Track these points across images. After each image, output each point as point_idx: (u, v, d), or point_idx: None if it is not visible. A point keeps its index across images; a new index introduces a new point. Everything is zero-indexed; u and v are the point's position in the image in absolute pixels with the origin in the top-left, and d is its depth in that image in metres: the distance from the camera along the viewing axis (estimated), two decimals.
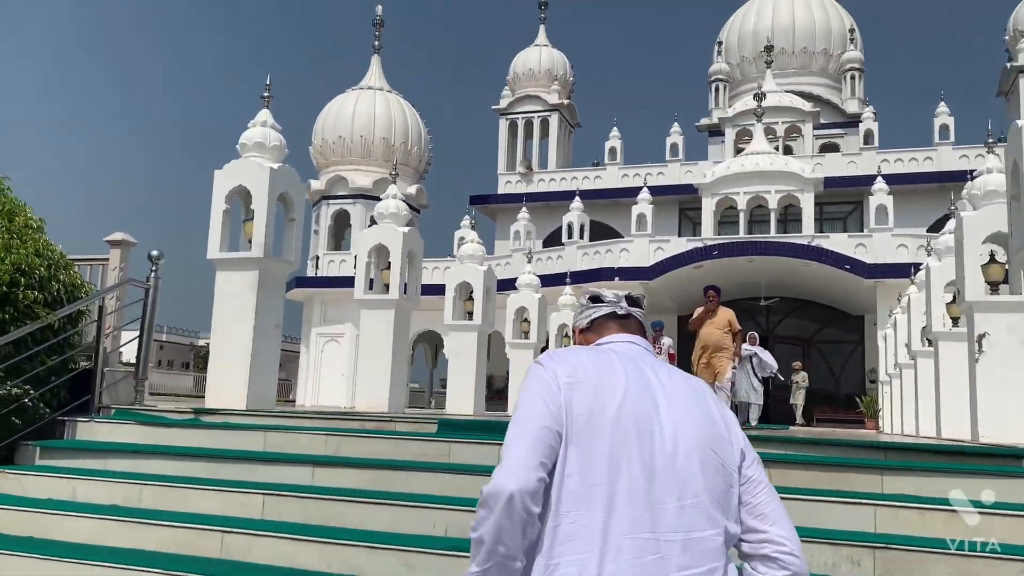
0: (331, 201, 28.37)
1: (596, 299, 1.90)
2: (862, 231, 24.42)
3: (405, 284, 9.81)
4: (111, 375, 6.29)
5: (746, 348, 13.01)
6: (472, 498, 4.55)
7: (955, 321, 10.11)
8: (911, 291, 16.16)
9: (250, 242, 7.43)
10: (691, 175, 29.75)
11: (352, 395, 26.54)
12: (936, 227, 26.02)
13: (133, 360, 6.70)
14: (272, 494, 4.61)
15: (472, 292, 12.42)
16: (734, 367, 12.80)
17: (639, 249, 23.69)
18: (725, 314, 9.89)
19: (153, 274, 6.53)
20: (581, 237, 25.68)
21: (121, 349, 6.79)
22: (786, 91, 30.88)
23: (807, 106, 29.85)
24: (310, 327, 27.48)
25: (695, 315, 9.97)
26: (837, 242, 22.43)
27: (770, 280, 24.09)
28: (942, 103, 27.70)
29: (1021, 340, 7.53)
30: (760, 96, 24.86)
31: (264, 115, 7.77)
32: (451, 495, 4.55)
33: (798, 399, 22.34)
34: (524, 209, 27.54)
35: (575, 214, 25.60)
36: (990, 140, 10.73)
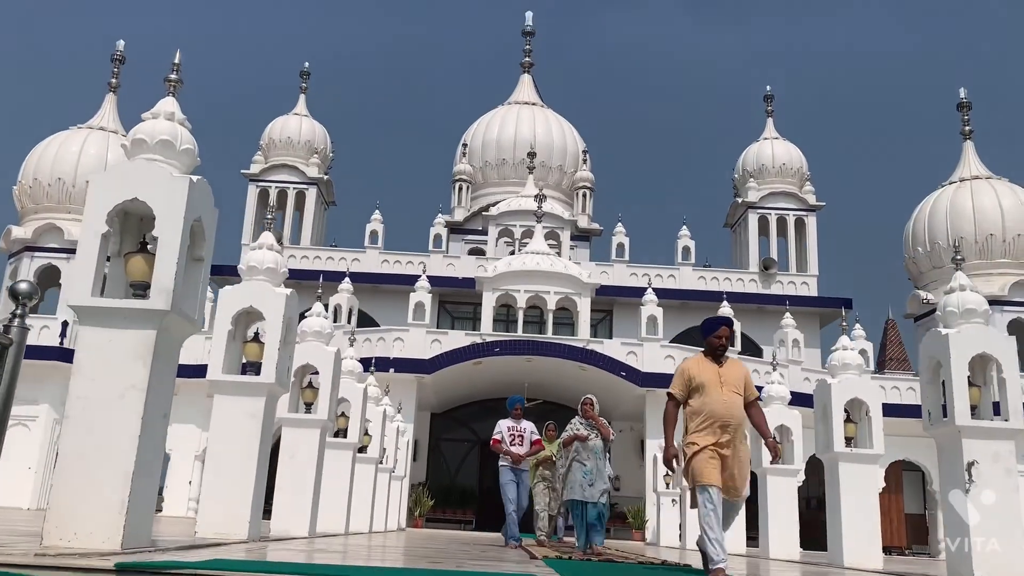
0: (37, 253, 23.39)
1: None
2: (610, 338, 24.97)
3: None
4: None
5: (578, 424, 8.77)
6: None
7: (848, 441, 9.84)
8: None
9: (135, 286, 4.87)
10: (453, 268, 28.99)
11: (41, 496, 21.40)
12: (679, 340, 27.46)
13: None
14: None
15: (311, 379, 10.04)
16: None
17: (416, 340, 22.11)
18: (740, 369, 5.54)
19: (18, 321, 3.77)
20: (349, 322, 23.49)
21: None
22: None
23: (566, 214, 30.74)
24: None
25: (687, 367, 5.52)
26: (610, 348, 22.63)
27: (543, 381, 23.61)
28: (684, 227, 29.93)
29: (1008, 469, 7.17)
30: (541, 198, 24.97)
31: (170, 104, 5.32)
32: None
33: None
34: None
35: (344, 296, 23.45)
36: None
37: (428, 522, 23.07)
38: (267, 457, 7.40)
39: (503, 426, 10.12)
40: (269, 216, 8.13)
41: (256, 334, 7.58)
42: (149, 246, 4.99)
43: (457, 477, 27.24)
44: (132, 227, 5.19)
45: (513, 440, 9.91)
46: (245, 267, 7.62)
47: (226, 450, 7.04)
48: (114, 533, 4.40)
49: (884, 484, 21.28)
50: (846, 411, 9.80)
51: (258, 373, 7.32)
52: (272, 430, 7.50)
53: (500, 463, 9.98)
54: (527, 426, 10.14)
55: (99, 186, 4.89)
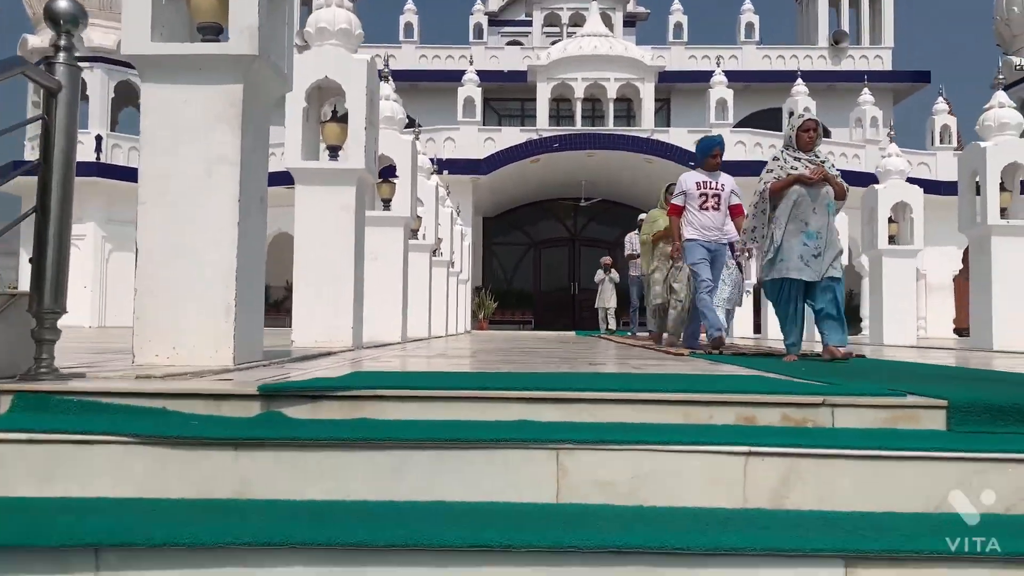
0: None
1: None
2: (668, 126, 23.25)
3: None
4: None
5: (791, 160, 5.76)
6: None
7: (1003, 212, 8.62)
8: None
9: (206, 30, 3.63)
10: (496, 61, 26.95)
11: (100, 313, 21.27)
12: (745, 124, 25.69)
13: None
14: None
15: (389, 172, 8.93)
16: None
17: (467, 138, 20.71)
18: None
19: (63, 56, 2.61)
20: None
21: None
22: None
23: None
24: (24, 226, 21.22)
25: None
26: (677, 137, 21.07)
27: (602, 179, 22.36)
28: (747, 1, 27.21)
29: None
30: None
31: None
32: None
33: (610, 301, 17.13)
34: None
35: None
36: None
37: (490, 324, 22.77)
38: (363, 255, 6.43)
39: (690, 182, 6.49)
40: None
41: (334, 112, 6.38)
42: None
43: (513, 280, 26.76)
44: None
45: (705, 202, 6.43)
46: (312, 30, 6.27)
47: (318, 251, 6.04)
48: (223, 345, 3.45)
49: (961, 266, 20.25)
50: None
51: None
52: (364, 225, 6.47)
53: (686, 237, 6.49)
54: (727, 181, 6.53)
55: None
